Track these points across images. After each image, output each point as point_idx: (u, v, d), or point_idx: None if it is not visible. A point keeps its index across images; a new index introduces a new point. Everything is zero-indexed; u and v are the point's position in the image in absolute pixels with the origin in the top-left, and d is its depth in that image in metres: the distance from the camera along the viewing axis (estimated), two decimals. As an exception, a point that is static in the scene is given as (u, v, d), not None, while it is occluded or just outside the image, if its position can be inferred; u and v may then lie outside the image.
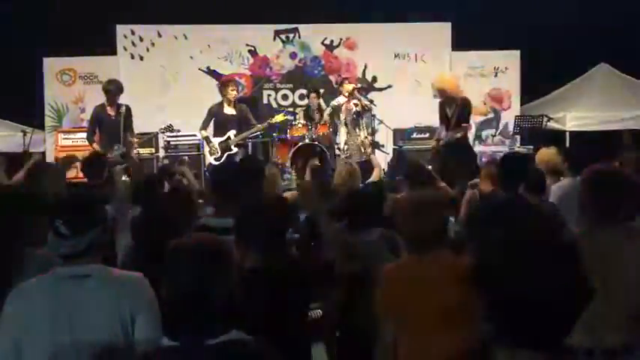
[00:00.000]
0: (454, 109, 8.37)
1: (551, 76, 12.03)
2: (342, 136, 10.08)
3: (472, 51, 12.35)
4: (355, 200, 4.41)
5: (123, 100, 8.87)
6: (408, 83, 12.19)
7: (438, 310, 2.79)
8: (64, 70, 12.12)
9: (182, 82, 12.17)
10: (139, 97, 10.71)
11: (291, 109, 11.94)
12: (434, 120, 8.99)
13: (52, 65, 12.06)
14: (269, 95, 12.53)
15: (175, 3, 12.08)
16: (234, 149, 9.65)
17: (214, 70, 12.27)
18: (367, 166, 7.65)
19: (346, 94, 10.04)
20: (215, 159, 9.62)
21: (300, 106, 12.04)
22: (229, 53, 12.35)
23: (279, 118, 10.11)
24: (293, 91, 12.51)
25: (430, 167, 6.71)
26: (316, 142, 10.45)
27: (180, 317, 2.14)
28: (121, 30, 12.11)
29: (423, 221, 2.98)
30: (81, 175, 6.84)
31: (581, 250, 1.56)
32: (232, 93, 9.66)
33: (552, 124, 11.39)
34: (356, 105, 9.93)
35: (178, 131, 10.35)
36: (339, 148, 10.12)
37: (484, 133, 12.57)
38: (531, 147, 10.11)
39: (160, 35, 12.27)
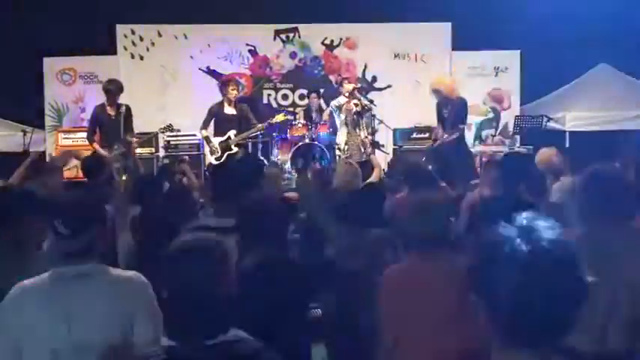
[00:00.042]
0: (450, 109, 8.38)
1: (551, 76, 12.02)
2: (342, 136, 10.07)
3: (472, 51, 12.34)
4: (354, 200, 4.41)
5: (123, 99, 8.87)
6: (408, 83, 12.19)
7: (438, 310, 2.79)
8: (64, 70, 12.13)
9: (182, 81, 12.17)
10: (139, 96, 10.72)
11: (291, 109, 11.94)
12: (434, 120, 9.00)
13: (52, 65, 12.07)
14: (269, 95, 12.53)
15: (175, 3, 12.07)
16: (235, 149, 9.65)
17: (214, 70, 12.27)
18: (367, 166, 7.65)
19: (346, 94, 10.03)
20: (215, 158, 9.62)
21: (300, 105, 12.04)
22: (229, 53, 12.34)
23: (279, 118, 10.11)
24: (293, 90, 12.51)
25: (430, 167, 6.72)
26: (316, 142, 10.46)
27: (179, 317, 2.15)
28: (121, 29, 12.11)
29: (426, 222, 2.98)
30: (81, 174, 6.83)
31: (580, 249, 1.56)
32: (233, 92, 9.67)
33: (552, 124, 11.38)
34: (356, 105, 9.93)
35: (178, 131, 10.35)
36: (339, 148, 10.12)
37: (484, 133, 12.56)
38: (531, 147, 10.10)
39: (160, 35, 12.26)
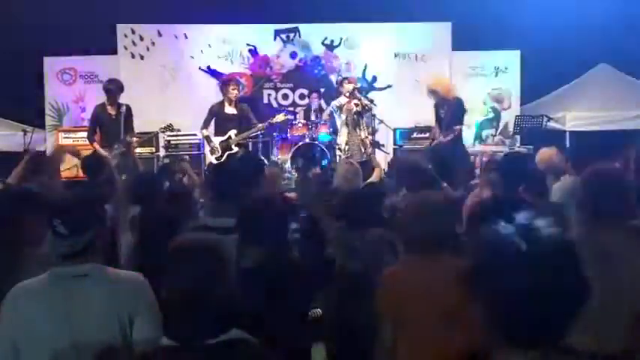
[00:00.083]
0: (446, 110, 8.38)
1: (551, 76, 12.02)
2: (342, 137, 10.07)
3: (472, 51, 12.34)
4: (354, 200, 4.41)
5: (123, 99, 8.87)
6: (409, 83, 12.18)
7: (438, 311, 2.79)
8: (64, 70, 12.13)
9: (182, 81, 12.17)
10: (139, 96, 10.70)
11: (291, 109, 11.94)
12: (433, 120, 9.00)
13: (52, 64, 12.08)
14: (269, 95, 12.52)
15: (176, 2, 12.07)
16: (235, 148, 9.65)
17: (214, 70, 12.26)
18: (368, 166, 7.65)
19: (347, 94, 10.03)
20: (216, 158, 9.62)
21: (301, 105, 12.04)
22: (230, 53, 12.34)
23: (279, 118, 10.10)
24: (293, 90, 12.51)
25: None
26: (316, 142, 10.47)
27: (179, 317, 2.14)
28: (122, 29, 12.11)
29: (428, 223, 2.97)
30: (81, 174, 6.84)
31: (581, 249, 1.56)
32: (233, 92, 9.66)
33: (552, 124, 11.38)
34: (356, 105, 9.92)
35: (179, 130, 10.36)
36: (339, 149, 10.12)
37: (484, 133, 12.56)
38: (531, 147, 10.10)
39: (160, 34, 12.26)
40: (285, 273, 3.25)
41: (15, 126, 11.53)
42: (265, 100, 12.46)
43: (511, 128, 11.89)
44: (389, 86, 12.47)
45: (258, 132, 10.02)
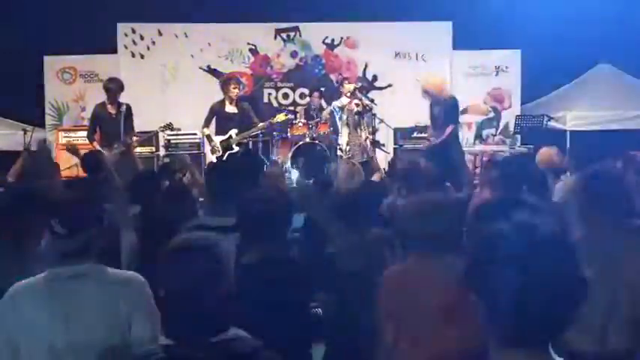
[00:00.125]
0: (440, 109, 8.37)
1: (551, 75, 12.02)
2: (343, 137, 10.06)
3: (473, 50, 12.34)
4: (354, 199, 4.40)
5: (123, 98, 8.86)
6: (409, 82, 12.16)
7: (439, 311, 2.78)
8: (64, 69, 12.14)
9: (182, 80, 12.17)
10: (140, 95, 10.70)
11: (291, 108, 11.94)
12: (432, 120, 9.00)
13: (52, 63, 12.08)
14: (269, 94, 12.52)
15: (176, 1, 12.07)
16: (236, 148, 9.65)
17: (215, 69, 12.26)
18: (369, 167, 7.65)
19: (348, 94, 10.02)
20: (217, 158, 9.62)
21: (301, 104, 12.04)
22: (230, 52, 12.34)
23: (280, 117, 10.11)
24: (294, 89, 12.50)
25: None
26: (317, 141, 10.46)
27: (178, 316, 2.14)
28: (122, 28, 12.11)
29: (429, 223, 2.97)
30: (81, 173, 6.84)
31: (581, 249, 1.55)
32: (234, 91, 9.66)
33: (553, 124, 11.38)
34: (357, 105, 9.92)
35: (179, 130, 10.35)
36: (340, 149, 10.12)
37: (484, 133, 12.56)
38: (532, 146, 10.10)
39: (160, 34, 12.26)
40: (285, 272, 3.25)
41: (15, 125, 11.53)
42: (266, 100, 12.46)
43: (511, 128, 11.89)
44: (389, 85, 12.46)
45: (259, 131, 10.02)
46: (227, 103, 9.69)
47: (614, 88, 11.94)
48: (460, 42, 12.16)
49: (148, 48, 12.24)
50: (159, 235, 2.97)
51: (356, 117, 9.95)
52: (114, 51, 12.07)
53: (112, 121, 8.63)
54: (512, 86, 12.52)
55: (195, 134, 10.68)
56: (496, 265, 1.48)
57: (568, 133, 11.63)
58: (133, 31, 12.18)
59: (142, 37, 12.21)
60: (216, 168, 6.55)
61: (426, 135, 10.59)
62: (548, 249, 1.47)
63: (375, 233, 4.08)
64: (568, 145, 11.08)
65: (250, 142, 10.54)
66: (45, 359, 2.47)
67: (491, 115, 12.60)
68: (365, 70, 12.49)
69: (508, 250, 1.47)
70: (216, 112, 9.71)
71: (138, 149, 9.75)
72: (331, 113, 10.49)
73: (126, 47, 12.15)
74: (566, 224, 3.67)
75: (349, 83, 10.23)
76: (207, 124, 9.73)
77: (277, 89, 12.52)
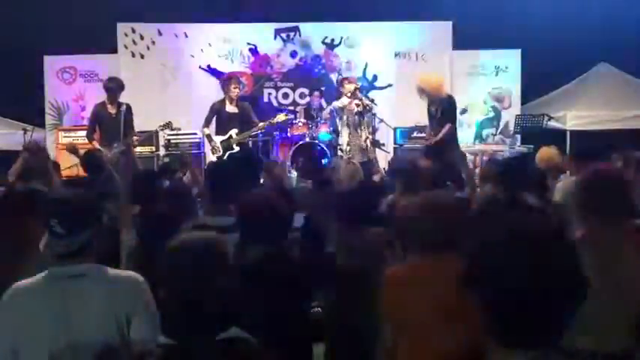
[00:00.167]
0: (436, 108, 8.38)
1: (551, 75, 12.02)
2: (344, 137, 10.06)
3: (473, 50, 12.34)
4: (352, 198, 4.40)
5: (123, 98, 8.87)
6: (409, 82, 12.13)
7: (439, 311, 2.78)
8: (64, 68, 12.13)
9: (182, 80, 12.16)
10: (140, 95, 10.69)
11: (291, 108, 11.93)
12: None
13: (52, 63, 12.07)
14: (269, 94, 12.52)
15: (176, 1, 12.07)
16: (236, 148, 9.65)
17: (215, 69, 12.26)
18: (369, 167, 7.65)
19: (348, 94, 10.02)
20: (217, 158, 9.61)
21: (301, 104, 12.03)
22: (230, 52, 12.34)
23: (280, 118, 10.10)
24: (294, 89, 12.51)
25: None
26: (317, 141, 10.46)
27: (178, 316, 2.14)
28: (122, 28, 12.10)
29: (430, 222, 2.96)
30: (81, 173, 6.85)
31: (580, 249, 1.55)
32: (235, 91, 9.65)
33: (553, 123, 11.38)
34: (357, 105, 9.92)
35: (179, 129, 10.34)
36: (341, 149, 10.11)
37: (485, 132, 12.56)
38: (532, 146, 10.10)
39: (160, 33, 12.25)
40: (285, 272, 3.25)
41: (15, 125, 11.52)
42: (266, 99, 12.46)
43: (511, 127, 11.89)
44: (389, 85, 12.46)
45: (259, 131, 10.02)
46: (227, 102, 9.68)
47: (614, 88, 11.95)
48: (460, 42, 12.15)
49: (148, 48, 12.23)
50: (159, 236, 2.97)
51: (356, 117, 9.94)
52: (114, 51, 12.07)
53: (112, 121, 8.63)
54: (512, 86, 12.52)
55: (195, 134, 10.68)
56: (495, 265, 1.48)
57: (568, 132, 11.64)
58: (133, 31, 12.17)
59: (142, 37, 12.20)
60: (216, 168, 6.55)
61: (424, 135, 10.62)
62: (547, 249, 1.47)
63: (374, 233, 4.08)
64: (568, 145, 11.08)
65: (250, 142, 10.54)
66: (45, 359, 2.47)
67: (491, 114, 12.60)
68: (365, 69, 12.48)
69: (507, 251, 1.47)
70: (216, 112, 9.70)
71: (138, 149, 9.75)
72: (331, 112, 10.49)
73: (126, 47, 12.15)
74: (566, 224, 3.67)
75: (349, 83, 10.22)
76: (207, 123, 9.73)
77: (277, 89, 12.52)
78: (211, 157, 9.80)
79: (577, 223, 3.10)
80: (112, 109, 8.71)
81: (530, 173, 5.13)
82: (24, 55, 11.27)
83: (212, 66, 12.27)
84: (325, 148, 10.38)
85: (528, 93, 12.53)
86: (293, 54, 12.47)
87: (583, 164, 5.11)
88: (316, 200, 5.22)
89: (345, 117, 10.05)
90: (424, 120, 10.57)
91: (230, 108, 9.68)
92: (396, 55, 12.46)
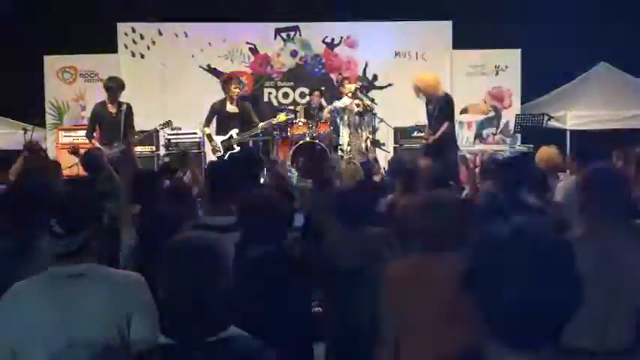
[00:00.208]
0: (433, 107, 8.38)
1: (551, 74, 12.02)
2: (345, 137, 10.05)
3: (473, 49, 12.34)
4: (350, 198, 4.41)
5: (123, 97, 8.86)
6: (409, 82, 12.14)
7: (440, 310, 2.78)
8: (64, 68, 12.14)
9: (183, 80, 12.17)
10: (140, 95, 10.70)
11: (291, 108, 11.93)
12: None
13: (52, 63, 12.08)
14: (270, 93, 12.53)
15: (176, 1, 12.07)
16: (237, 148, 9.65)
17: (215, 69, 12.27)
18: (369, 167, 7.65)
19: (349, 94, 10.01)
20: (218, 157, 9.61)
21: (301, 104, 12.03)
22: (230, 51, 12.35)
23: (280, 118, 10.10)
24: (294, 89, 12.51)
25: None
26: (317, 141, 10.46)
27: (178, 315, 2.14)
28: (122, 28, 12.11)
29: (431, 221, 2.96)
30: (82, 172, 6.85)
31: (581, 249, 1.55)
32: (235, 91, 9.65)
33: (553, 123, 11.38)
34: (357, 105, 9.92)
35: (179, 129, 10.35)
36: (341, 149, 10.11)
37: (485, 132, 12.56)
38: (532, 146, 10.10)
39: (160, 33, 12.26)
40: (286, 271, 3.25)
41: (15, 124, 11.53)
42: (266, 99, 12.47)
43: (512, 127, 11.89)
44: (389, 85, 12.46)
45: (260, 131, 10.01)
46: (228, 102, 9.68)
47: (614, 88, 11.95)
48: (460, 41, 12.16)
49: (148, 47, 12.24)
50: (159, 235, 2.97)
51: (357, 117, 9.94)
52: (114, 50, 12.08)
53: (112, 120, 8.63)
54: (513, 85, 12.52)
55: (195, 133, 10.68)
56: (492, 266, 1.48)
57: (568, 132, 11.63)
58: (133, 31, 12.19)
59: (142, 37, 12.21)
60: (216, 167, 6.55)
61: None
62: (544, 250, 1.47)
63: (374, 232, 4.08)
64: (568, 145, 11.09)
65: (250, 142, 10.53)
66: (44, 359, 2.47)
67: (492, 114, 12.60)
68: (365, 69, 12.49)
69: (505, 251, 1.47)
70: (217, 112, 9.70)
71: (138, 148, 9.75)
72: (331, 112, 10.48)
73: (126, 47, 12.16)
74: (566, 223, 3.67)
75: (350, 83, 10.22)
76: (207, 123, 9.73)
77: (277, 88, 12.53)
78: (212, 157, 9.80)
79: (577, 222, 3.10)
80: (112, 109, 8.71)
81: (531, 173, 5.13)
82: (24, 55, 11.27)
83: (212, 66, 12.28)
84: (325, 147, 10.37)
85: (528, 93, 12.54)
86: (293, 53, 12.47)
87: (584, 164, 5.11)
88: (316, 200, 5.22)
89: (346, 117, 10.05)
90: (424, 119, 10.60)
91: (231, 108, 9.68)
92: (396, 54, 12.46)
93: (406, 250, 3.48)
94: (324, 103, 11.22)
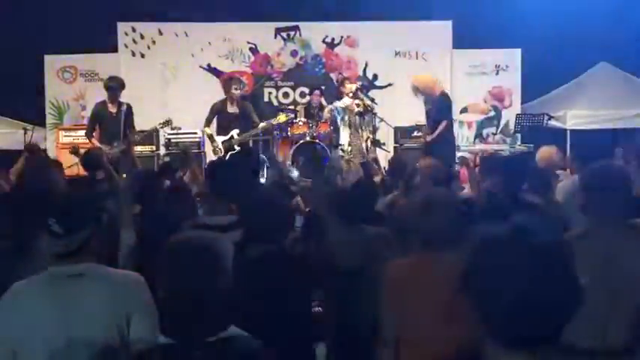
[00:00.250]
0: (431, 107, 8.40)
1: (552, 74, 12.02)
2: (345, 137, 10.05)
3: (473, 49, 12.33)
4: (349, 197, 4.41)
5: (123, 97, 8.85)
6: (409, 81, 12.14)
7: (438, 311, 2.78)
8: (65, 68, 12.13)
9: (183, 79, 12.16)
10: (140, 94, 10.69)
11: (292, 107, 11.93)
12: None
13: (53, 63, 12.08)
14: (270, 93, 12.52)
15: (176, 0, 12.07)
16: (238, 148, 9.65)
17: (215, 68, 12.26)
18: (369, 167, 7.65)
19: (350, 94, 10.01)
20: (218, 158, 9.60)
21: (301, 103, 12.03)
22: (230, 51, 12.34)
23: (281, 118, 10.10)
24: (294, 89, 12.50)
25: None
26: (317, 140, 10.46)
27: (177, 315, 2.14)
28: (122, 27, 12.10)
29: (437, 220, 2.96)
30: (82, 173, 6.85)
31: (574, 249, 1.55)
32: (236, 91, 9.64)
33: (553, 123, 11.38)
34: (357, 105, 9.92)
35: (179, 128, 10.34)
36: (342, 149, 10.11)
37: (485, 132, 12.56)
38: (532, 145, 10.10)
39: (160, 33, 12.25)
40: (286, 271, 3.25)
41: (15, 124, 11.53)
42: (266, 99, 12.46)
43: (512, 127, 11.89)
44: (389, 85, 12.45)
45: (260, 131, 10.01)
46: (229, 103, 9.67)
47: (614, 88, 11.94)
48: (460, 41, 12.15)
49: (149, 47, 12.24)
50: (158, 235, 2.96)
51: (357, 117, 9.94)
52: (114, 50, 12.07)
53: (112, 120, 8.62)
54: (513, 85, 12.52)
55: (195, 133, 10.67)
56: (490, 266, 1.48)
57: (568, 132, 11.63)
58: (134, 30, 12.18)
59: (142, 36, 12.20)
60: (216, 167, 6.55)
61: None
62: (542, 250, 1.47)
63: (374, 232, 4.08)
64: (568, 144, 11.08)
65: (251, 141, 10.53)
66: (44, 358, 2.47)
67: (492, 114, 12.60)
68: (365, 69, 12.48)
69: (503, 252, 1.47)
70: (217, 112, 9.69)
71: (138, 148, 9.75)
72: (332, 112, 10.48)
73: (126, 46, 12.15)
74: (566, 224, 3.67)
75: (350, 83, 10.21)
76: (208, 123, 9.73)
77: (277, 88, 12.52)
78: (212, 157, 9.79)
79: (578, 221, 3.10)
80: (112, 109, 8.70)
81: (533, 172, 5.13)
82: (24, 55, 11.26)
83: (212, 65, 12.27)
84: (325, 147, 10.37)
85: (528, 92, 12.53)
86: (293, 53, 12.47)
87: (585, 163, 5.11)
88: (316, 199, 5.22)
89: (346, 117, 10.05)
90: (424, 119, 10.60)
91: (231, 108, 9.67)
92: (396, 54, 12.45)
93: (406, 250, 3.48)
94: (324, 102, 11.21)
